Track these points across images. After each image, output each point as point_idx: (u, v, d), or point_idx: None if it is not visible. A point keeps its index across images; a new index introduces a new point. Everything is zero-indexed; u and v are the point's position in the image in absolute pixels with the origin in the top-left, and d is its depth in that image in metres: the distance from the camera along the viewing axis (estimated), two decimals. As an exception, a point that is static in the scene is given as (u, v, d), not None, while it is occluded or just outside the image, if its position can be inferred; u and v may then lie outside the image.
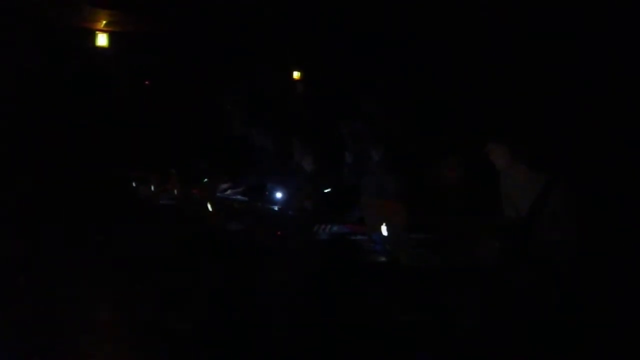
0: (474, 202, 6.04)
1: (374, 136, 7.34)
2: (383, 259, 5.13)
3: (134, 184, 9.38)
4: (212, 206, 6.99)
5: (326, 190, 7.02)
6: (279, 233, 5.77)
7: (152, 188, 8.82)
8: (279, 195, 7.50)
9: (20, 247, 8.51)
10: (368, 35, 8.90)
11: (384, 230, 5.25)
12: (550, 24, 6.68)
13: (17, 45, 10.83)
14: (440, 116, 7.55)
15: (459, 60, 7.61)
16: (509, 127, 6.28)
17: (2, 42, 10.43)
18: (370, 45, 8.93)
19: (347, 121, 8.10)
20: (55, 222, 9.64)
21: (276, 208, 7.19)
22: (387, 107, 8.29)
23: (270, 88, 10.83)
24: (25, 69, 10.83)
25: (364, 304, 4.69)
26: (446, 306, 4.36)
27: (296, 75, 11.42)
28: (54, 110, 10.92)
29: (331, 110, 9.12)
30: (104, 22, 11.37)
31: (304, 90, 11.03)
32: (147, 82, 12.21)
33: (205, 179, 8.34)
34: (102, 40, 11.60)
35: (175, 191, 8.33)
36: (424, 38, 7.91)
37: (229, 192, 8.57)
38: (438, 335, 4.24)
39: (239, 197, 8.37)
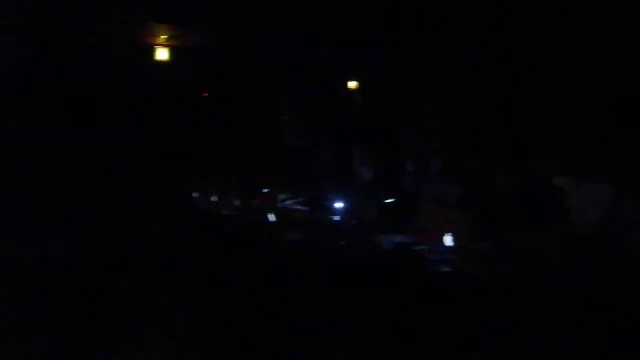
0: (538, 210, 5.95)
1: (434, 145, 7.32)
2: (447, 269, 5.10)
3: (195, 196, 9.55)
4: (273, 217, 7.07)
5: (387, 201, 7.02)
6: (343, 243, 5.81)
7: (214, 199, 8.96)
8: (339, 205, 7.53)
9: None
10: (425, 44, 8.89)
11: (447, 240, 5.24)
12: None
13: (81, 60, 11.17)
14: (501, 124, 7.48)
15: (519, 68, 7.53)
16: (570, 136, 6.18)
17: (69, 57, 10.76)
18: (427, 54, 8.92)
19: (406, 131, 8.09)
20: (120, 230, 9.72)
21: (337, 218, 7.21)
22: (447, 116, 8.25)
23: (328, 98, 10.90)
24: (88, 84, 11.16)
25: (430, 314, 4.68)
26: (515, 315, 4.31)
27: (354, 85, 11.48)
28: (116, 123, 11.20)
29: (390, 120, 9.12)
30: (165, 37, 11.65)
31: (362, 100, 11.08)
32: (205, 95, 12.42)
33: (266, 190, 8.43)
34: (162, 54, 11.89)
35: (237, 202, 8.45)
36: (485, 47, 7.86)
37: (289, 202, 8.64)
38: (507, 344, 4.20)
39: (299, 207, 8.43)
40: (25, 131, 9.61)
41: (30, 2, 8.83)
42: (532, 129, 6.81)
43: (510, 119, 7.15)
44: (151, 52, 12.04)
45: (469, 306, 4.48)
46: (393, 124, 8.80)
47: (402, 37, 9.04)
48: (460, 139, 7.57)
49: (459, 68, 8.01)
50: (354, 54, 10.42)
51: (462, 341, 4.40)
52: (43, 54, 9.92)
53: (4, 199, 8.84)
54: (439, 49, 8.41)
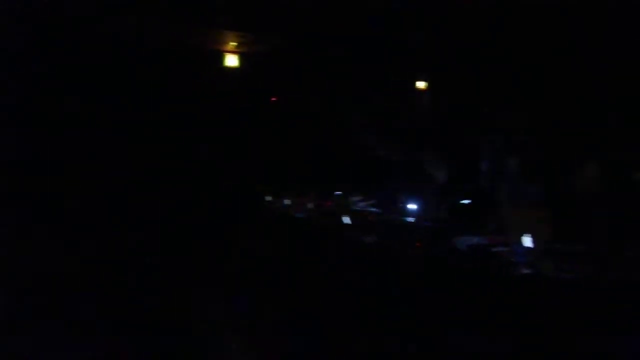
0: (619, 210, 5.74)
1: (511, 144, 7.17)
2: (527, 270, 4.99)
3: (268, 199, 9.67)
4: (348, 219, 7.08)
5: (463, 201, 6.93)
6: (418, 244, 5.75)
7: (287, 202, 9.04)
8: (412, 206, 7.48)
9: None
10: (499, 46, 8.71)
11: (526, 241, 5.13)
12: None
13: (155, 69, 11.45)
14: (580, 122, 7.25)
15: (599, 67, 7.28)
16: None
17: (145, 67, 11.06)
18: (501, 55, 8.74)
19: (482, 131, 7.95)
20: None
21: (411, 219, 7.16)
22: (525, 116, 8.05)
23: (399, 101, 10.81)
24: (163, 92, 11.44)
25: (509, 318, 4.57)
26: (599, 319, 4.17)
27: (423, 85, 11.34)
28: (191, 129, 11.43)
29: (463, 121, 8.98)
30: (234, 43, 11.84)
31: (434, 102, 10.94)
32: (274, 99, 12.55)
33: (338, 193, 8.44)
34: (231, 61, 12.08)
35: (310, 205, 8.50)
36: (562, 47, 7.64)
37: (361, 204, 8.64)
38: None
39: (371, 209, 8.42)
40: (113, 136, 10.00)
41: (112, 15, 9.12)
42: (615, 122, 6.59)
43: (592, 114, 6.92)
44: (221, 59, 12.27)
45: (550, 309, 4.35)
46: (466, 124, 8.67)
47: (474, 36, 8.91)
48: (540, 136, 7.37)
49: (536, 64, 7.82)
50: (423, 54, 10.33)
51: (545, 343, 4.30)
52: (126, 64, 10.25)
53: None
54: (514, 45, 8.24)
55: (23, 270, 5.78)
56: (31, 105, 10.22)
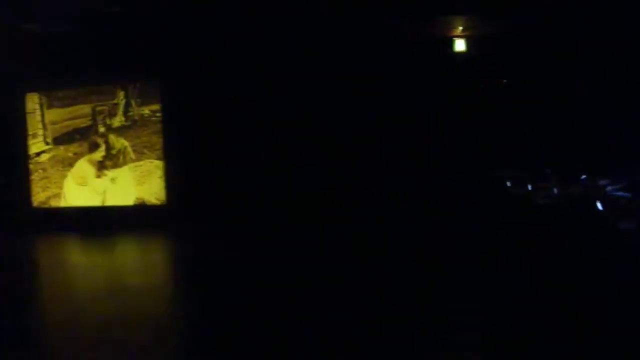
0: None
1: None
2: None
3: (508, 184, 9.65)
4: (601, 205, 6.93)
5: None
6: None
7: (529, 187, 8.98)
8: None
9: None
10: None
11: None
12: None
13: (385, 57, 11.91)
14: None
15: None
16: None
17: (363, 54, 11.55)
18: None
19: None
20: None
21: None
22: None
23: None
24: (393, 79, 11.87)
25: None
26: None
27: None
28: (424, 115, 11.73)
29: None
30: (461, 28, 11.92)
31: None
32: (504, 81, 12.45)
33: (583, 177, 8.24)
34: (460, 45, 12.19)
35: (555, 190, 8.38)
36: None
37: (609, 188, 8.36)
38: None
39: (620, 193, 8.12)
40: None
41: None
42: None
43: None
44: (449, 44, 12.45)
45: None
46: None
47: None
48: None
49: None
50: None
51: None
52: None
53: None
54: None
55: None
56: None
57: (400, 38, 12.27)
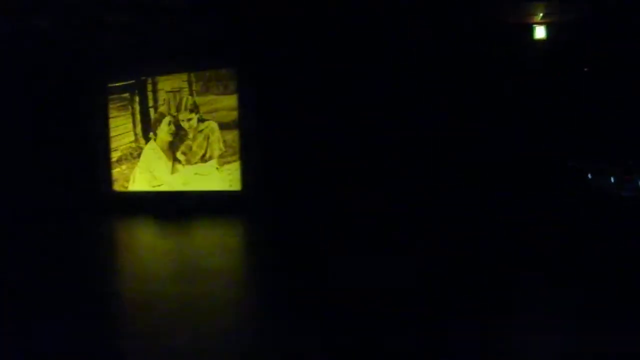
0: None
1: None
2: None
3: (589, 176, 9.38)
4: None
5: None
6: None
7: (611, 180, 8.72)
8: None
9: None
10: None
11: None
12: None
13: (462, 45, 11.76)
14: None
15: None
16: None
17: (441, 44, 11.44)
18: None
19: None
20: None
21: None
22: None
23: None
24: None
25: None
26: None
27: None
28: (505, 104, 11.51)
29: None
30: (541, 14, 11.63)
31: None
32: (586, 69, 12.08)
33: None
34: (540, 32, 11.90)
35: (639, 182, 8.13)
36: None
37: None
38: None
39: None
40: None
41: None
42: None
43: None
44: (529, 31, 12.19)
45: None
46: None
47: None
48: None
49: None
50: None
51: None
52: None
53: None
54: None
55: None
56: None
57: (480, 26, 12.11)
